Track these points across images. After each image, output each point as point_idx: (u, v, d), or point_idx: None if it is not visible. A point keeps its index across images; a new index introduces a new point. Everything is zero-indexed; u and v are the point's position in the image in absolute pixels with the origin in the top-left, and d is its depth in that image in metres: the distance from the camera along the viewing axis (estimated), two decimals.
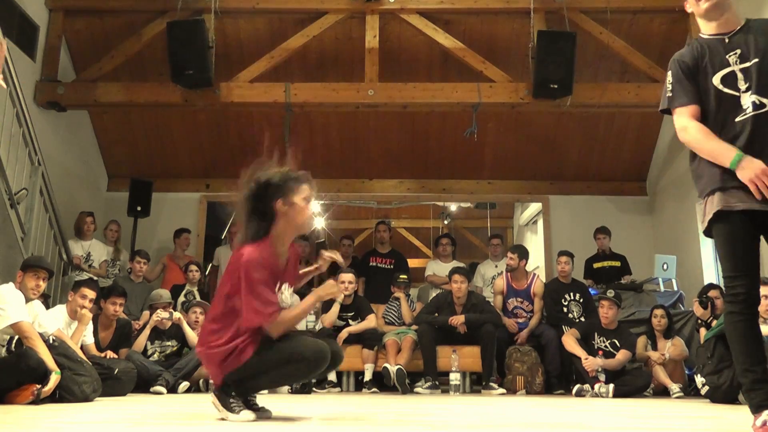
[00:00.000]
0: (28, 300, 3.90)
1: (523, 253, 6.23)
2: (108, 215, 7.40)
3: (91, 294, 4.59)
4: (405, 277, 6.44)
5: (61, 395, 3.51)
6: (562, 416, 3.03)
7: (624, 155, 8.11)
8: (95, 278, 6.14)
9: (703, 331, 5.05)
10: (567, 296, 6.11)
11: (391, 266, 6.95)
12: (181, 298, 6.35)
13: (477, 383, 6.01)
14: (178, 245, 7.22)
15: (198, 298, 6.14)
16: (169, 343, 5.33)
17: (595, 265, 6.94)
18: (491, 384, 5.56)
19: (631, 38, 6.83)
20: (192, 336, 5.34)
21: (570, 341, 5.36)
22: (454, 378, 5.45)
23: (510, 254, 6.22)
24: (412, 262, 10.26)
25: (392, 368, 5.42)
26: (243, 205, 2.62)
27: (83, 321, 4.53)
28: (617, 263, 6.94)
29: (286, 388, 5.39)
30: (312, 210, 2.70)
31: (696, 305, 5.18)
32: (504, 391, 5.57)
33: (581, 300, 6.09)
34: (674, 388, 5.19)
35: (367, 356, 5.71)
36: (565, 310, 6.08)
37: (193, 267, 6.61)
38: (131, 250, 6.85)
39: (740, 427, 2.46)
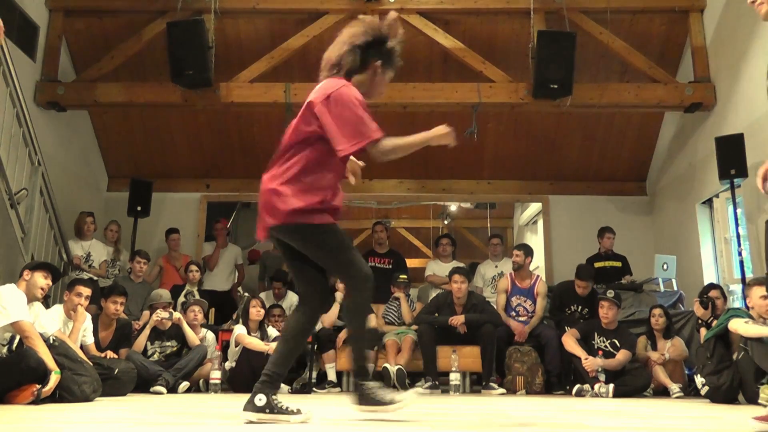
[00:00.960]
0: (33, 298, 3.90)
1: (528, 251, 6.24)
2: (108, 215, 7.39)
3: (86, 291, 4.58)
4: (405, 277, 6.44)
5: (61, 395, 3.50)
6: (562, 416, 3.03)
7: (624, 155, 8.11)
8: (95, 278, 6.15)
9: (703, 331, 5.03)
10: (572, 307, 6.08)
11: (390, 266, 6.94)
12: (181, 299, 6.35)
13: (477, 383, 6.00)
14: (169, 246, 7.23)
15: (198, 298, 6.14)
16: (169, 343, 5.33)
17: (596, 265, 6.92)
18: (491, 384, 5.56)
19: (631, 38, 6.83)
20: (192, 336, 5.34)
21: (570, 341, 5.37)
22: (454, 378, 5.45)
23: (516, 252, 6.23)
24: (412, 262, 10.26)
25: (392, 368, 5.42)
26: (354, 41, 2.66)
27: (79, 319, 4.52)
28: (618, 264, 6.92)
29: (286, 387, 5.38)
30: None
31: (696, 305, 5.17)
32: (504, 391, 5.57)
33: (586, 315, 6.00)
34: (674, 388, 5.19)
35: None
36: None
37: (193, 267, 6.62)
38: (131, 251, 6.84)
39: (740, 427, 2.46)
